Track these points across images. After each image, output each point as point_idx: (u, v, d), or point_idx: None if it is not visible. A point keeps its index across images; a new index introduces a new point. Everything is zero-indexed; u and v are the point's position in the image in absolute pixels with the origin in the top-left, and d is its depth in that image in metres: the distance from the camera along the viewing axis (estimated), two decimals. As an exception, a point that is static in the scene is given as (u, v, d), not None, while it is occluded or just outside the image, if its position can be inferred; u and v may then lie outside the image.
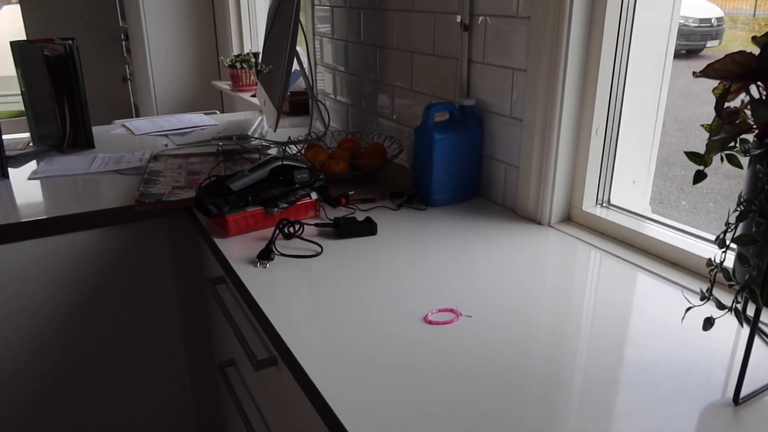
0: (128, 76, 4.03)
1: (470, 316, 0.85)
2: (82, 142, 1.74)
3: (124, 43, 3.82)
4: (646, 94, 1.20)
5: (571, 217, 1.21)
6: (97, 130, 1.89)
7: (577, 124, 1.15)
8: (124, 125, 2.02)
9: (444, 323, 0.83)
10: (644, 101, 1.20)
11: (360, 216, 1.19)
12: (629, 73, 1.14)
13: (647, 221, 1.11)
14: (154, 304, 1.40)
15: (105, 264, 1.32)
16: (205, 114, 2.17)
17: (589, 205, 1.19)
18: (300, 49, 2.06)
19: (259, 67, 1.92)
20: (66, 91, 1.67)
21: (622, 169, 1.20)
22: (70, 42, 1.65)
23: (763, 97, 0.63)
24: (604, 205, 1.20)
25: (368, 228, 1.13)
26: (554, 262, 1.04)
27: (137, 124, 2.02)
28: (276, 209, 1.15)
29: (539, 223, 1.19)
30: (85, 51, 1.68)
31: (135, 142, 1.83)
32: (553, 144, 1.14)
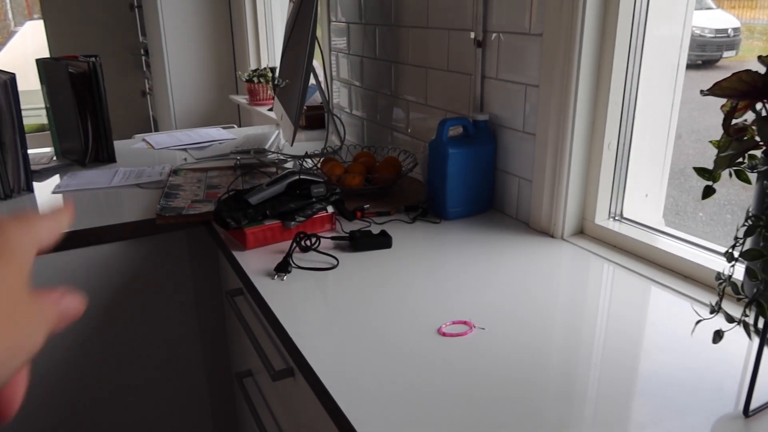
0: (148, 90, 4.11)
1: (484, 329, 0.86)
2: (104, 156, 1.78)
3: (143, 57, 3.90)
4: (658, 107, 1.21)
5: (583, 231, 1.22)
6: (118, 144, 1.94)
7: (589, 138, 1.17)
8: (144, 139, 2.07)
9: (458, 335, 0.85)
10: (657, 114, 1.21)
11: (375, 229, 1.21)
12: (641, 86, 1.15)
13: (660, 234, 1.12)
14: (173, 316, 1.43)
15: (126, 276, 1.35)
16: (223, 128, 2.21)
17: (601, 219, 1.20)
18: (316, 63, 2.10)
19: (276, 82, 1.96)
20: (89, 107, 1.72)
21: (634, 183, 1.21)
22: (94, 59, 1.70)
23: (770, 115, 0.64)
24: (616, 218, 1.21)
25: (383, 241, 1.15)
26: (567, 276, 1.05)
27: (157, 138, 2.07)
28: (293, 222, 1.17)
29: (552, 237, 1.20)
30: (106, 66, 1.73)
31: (155, 156, 1.88)
32: (565, 158, 1.16)
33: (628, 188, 1.20)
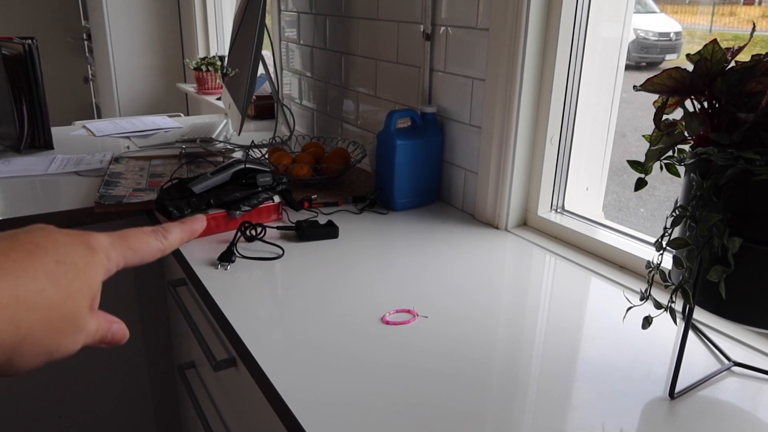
0: (90, 77, 3.96)
1: (426, 317, 0.87)
2: (41, 142, 1.71)
3: (86, 42, 3.76)
4: (599, 104, 1.25)
5: (527, 222, 1.25)
6: (56, 131, 1.86)
7: (532, 132, 1.19)
8: (84, 126, 2.00)
9: (401, 323, 0.85)
10: (597, 111, 1.25)
11: (322, 219, 1.21)
12: (583, 84, 1.18)
13: (599, 227, 1.16)
14: (113, 307, 1.38)
15: (63, 266, 1.30)
16: (169, 116, 2.16)
17: (544, 211, 1.23)
18: (267, 53, 2.07)
19: (224, 71, 1.92)
20: (24, 91, 1.64)
21: (576, 176, 1.25)
22: (30, 41, 1.62)
23: (697, 111, 0.67)
24: (558, 210, 1.25)
25: (330, 231, 1.15)
26: (510, 266, 1.07)
27: (98, 126, 2.00)
28: (238, 212, 1.15)
29: (497, 228, 1.23)
30: (45, 50, 1.66)
31: (96, 144, 1.81)
32: (510, 151, 1.18)
33: (570, 182, 1.24)
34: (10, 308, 0.27)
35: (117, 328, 0.35)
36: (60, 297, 0.30)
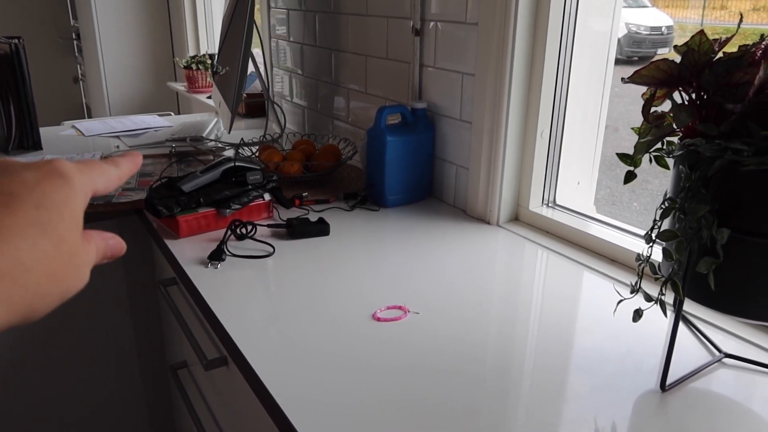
0: (80, 77, 3.94)
1: (418, 313, 0.87)
2: (29, 143, 1.70)
3: (75, 42, 3.73)
4: (589, 99, 1.24)
5: (518, 217, 1.25)
6: (45, 131, 1.85)
7: (523, 127, 1.19)
8: (74, 126, 1.98)
9: (392, 320, 0.85)
10: (587, 105, 1.25)
11: (313, 217, 1.20)
12: (572, 78, 1.18)
13: (591, 221, 1.16)
14: (105, 308, 1.38)
15: (53, 267, 1.29)
16: (159, 115, 2.14)
17: (535, 205, 1.23)
18: (257, 51, 2.06)
19: (215, 69, 1.91)
20: (11, 91, 1.63)
21: (567, 171, 1.24)
22: (16, 41, 1.61)
23: (685, 102, 0.67)
24: (550, 205, 1.24)
25: (321, 228, 1.15)
26: (502, 261, 1.07)
27: (88, 126, 1.98)
28: (228, 210, 1.15)
29: (488, 223, 1.23)
30: (34, 50, 1.65)
31: (85, 144, 1.80)
32: (500, 146, 1.18)
33: (561, 176, 1.24)
34: (14, 271, 0.27)
35: (114, 243, 0.35)
36: (53, 244, 0.29)
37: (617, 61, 1.25)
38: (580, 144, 1.26)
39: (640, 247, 1.03)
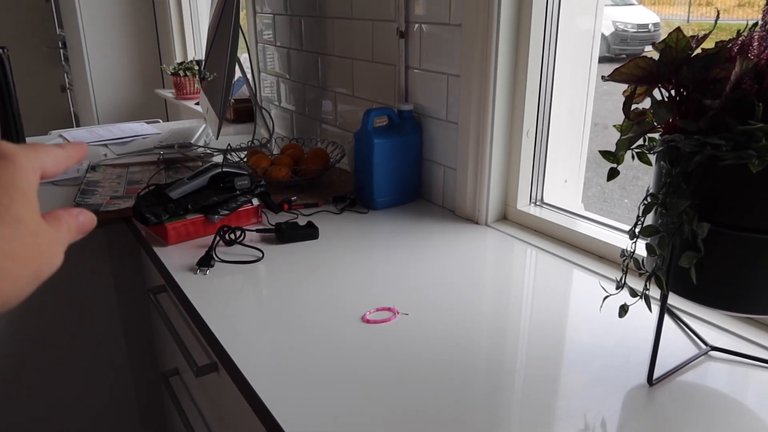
0: (67, 85, 3.92)
1: (407, 314, 0.87)
2: (16, 153, 1.69)
3: (62, 51, 3.72)
4: (574, 97, 1.25)
5: (507, 216, 1.26)
6: (31, 141, 1.84)
7: (509, 126, 1.20)
8: (61, 135, 1.97)
9: (381, 321, 0.85)
10: (572, 103, 1.25)
11: (302, 221, 1.20)
12: (557, 77, 1.19)
13: (578, 218, 1.16)
14: (95, 317, 1.37)
15: (41, 277, 1.28)
16: (147, 123, 2.14)
17: (523, 204, 1.24)
18: (244, 56, 2.06)
19: (202, 75, 1.90)
20: (-3, 101, 1.62)
21: (553, 169, 1.25)
22: (1, 50, 1.60)
23: (665, 99, 0.68)
24: (537, 203, 1.25)
25: (309, 232, 1.15)
26: (491, 260, 1.07)
27: (75, 134, 1.97)
28: (216, 216, 1.15)
29: (477, 223, 1.23)
30: (20, 59, 1.64)
31: (73, 153, 1.79)
32: (487, 146, 1.19)
33: (548, 174, 1.24)
34: None
35: (83, 219, 0.35)
36: (9, 225, 0.28)
37: (605, 59, 1.26)
38: (567, 142, 1.27)
39: (622, 242, 1.04)
